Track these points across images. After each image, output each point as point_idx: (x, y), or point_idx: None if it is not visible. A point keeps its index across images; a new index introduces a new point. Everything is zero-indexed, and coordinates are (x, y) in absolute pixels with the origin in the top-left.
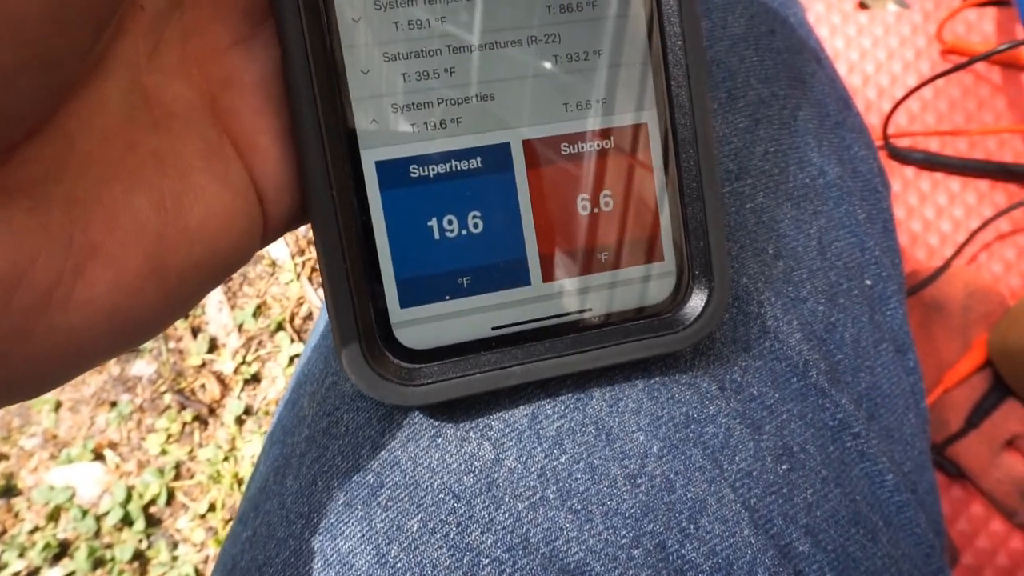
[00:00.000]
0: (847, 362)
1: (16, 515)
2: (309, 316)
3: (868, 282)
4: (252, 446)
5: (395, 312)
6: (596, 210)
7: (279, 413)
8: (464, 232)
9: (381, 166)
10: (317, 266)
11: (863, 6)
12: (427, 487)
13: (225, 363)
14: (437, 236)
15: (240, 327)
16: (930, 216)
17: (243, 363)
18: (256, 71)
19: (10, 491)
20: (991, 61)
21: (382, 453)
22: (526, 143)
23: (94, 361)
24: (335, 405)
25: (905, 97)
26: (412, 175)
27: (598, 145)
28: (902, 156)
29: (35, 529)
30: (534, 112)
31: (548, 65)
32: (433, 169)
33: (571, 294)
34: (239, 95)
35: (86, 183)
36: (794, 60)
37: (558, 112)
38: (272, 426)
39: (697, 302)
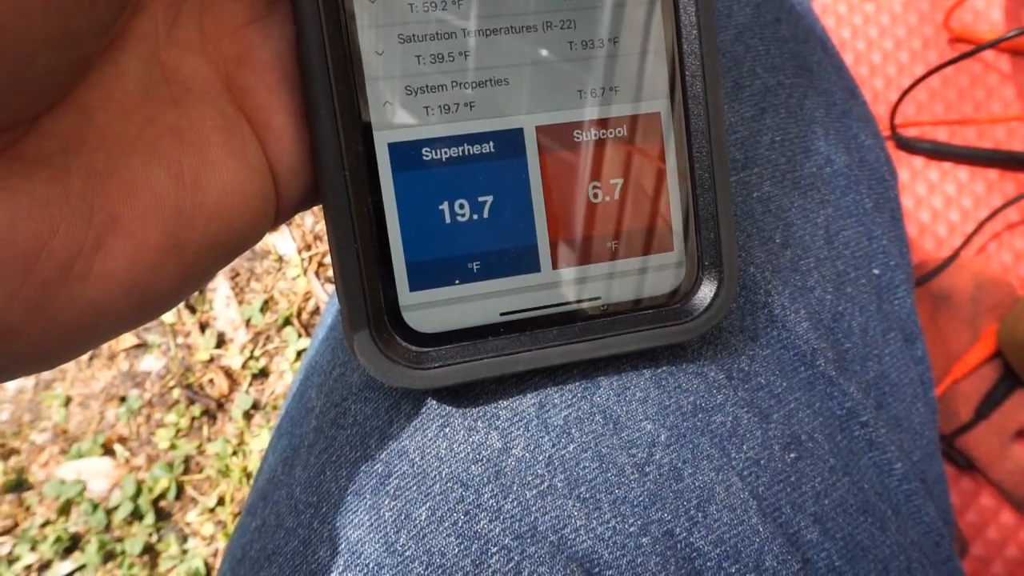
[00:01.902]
0: (855, 351)
1: (27, 509)
2: (316, 311)
3: (876, 271)
4: (260, 440)
5: (404, 295)
6: (607, 198)
7: (287, 405)
8: (475, 217)
9: (394, 148)
10: (324, 261)
11: None
12: (435, 476)
13: (233, 358)
14: (448, 220)
15: (248, 322)
16: (938, 206)
17: (251, 358)
18: (272, 49)
19: (21, 485)
20: (999, 49)
21: (390, 443)
22: (539, 129)
23: (109, 335)
24: (343, 396)
25: (912, 86)
26: (424, 158)
27: (611, 133)
28: (910, 146)
29: (46, 523)
30: (548, 98)
31: (563, 51)
32: (445, 153)
33: (580, 282)
34: (254, 73)
35: (105, 155)
36: (800, 49)
37: (572, 99)
38: (280, 418)
39: (706, 293)
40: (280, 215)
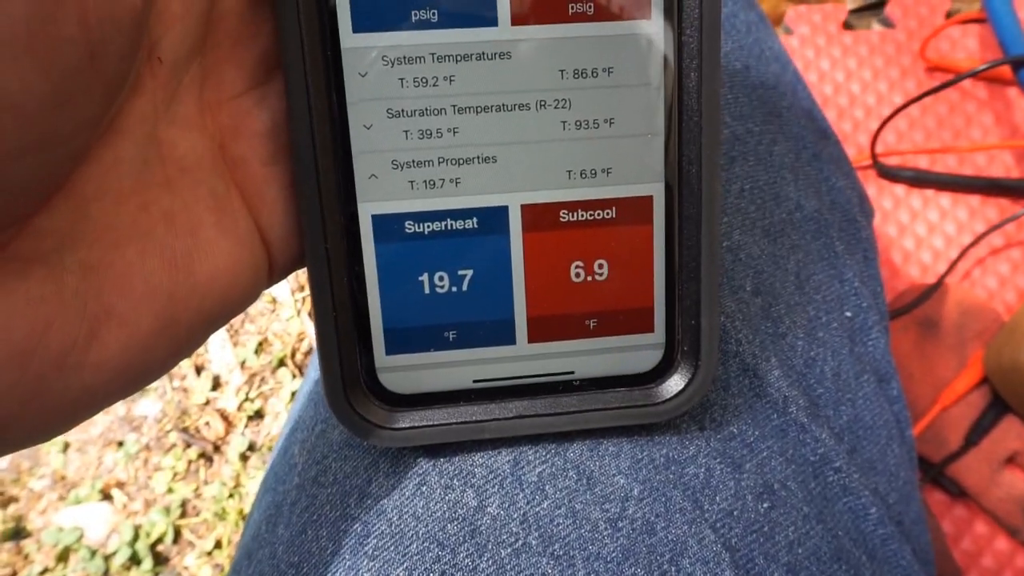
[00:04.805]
0: (828, 396)
1: (26, 557)
2: (310, 351)
3: (848, 314)
4: (256, 482)
5: (380, 358)
6: (590, 278)
7: (272, 460)
8: (454, 289)
9: (377, 220)
10: None
11: (848, 27)
12: (412, 536)
13: (228, 400)
14: (427, 291)
15: (242, 364)
16: (922, 233)
17: (246, 400)
18: (267, 120)
19: (20, 533)
20: (976, 77)
21: (368, 502)
22: (524, 207)
23: (103, 408)
24: (324, 453)
25: (891, 116)
26: (407, 231)
27: (599, 215)
28: (892, 174)
29: (45, 571)
30: (536, 177)
31: (556, 131)
32: (428, 227)
33: (554, 357)
34: (248, 145)
35: (100, 249)
36: (769, 95)
37: (561, 179)
38: (265, 473)
39: (680, 379)
40: (273, 279)
